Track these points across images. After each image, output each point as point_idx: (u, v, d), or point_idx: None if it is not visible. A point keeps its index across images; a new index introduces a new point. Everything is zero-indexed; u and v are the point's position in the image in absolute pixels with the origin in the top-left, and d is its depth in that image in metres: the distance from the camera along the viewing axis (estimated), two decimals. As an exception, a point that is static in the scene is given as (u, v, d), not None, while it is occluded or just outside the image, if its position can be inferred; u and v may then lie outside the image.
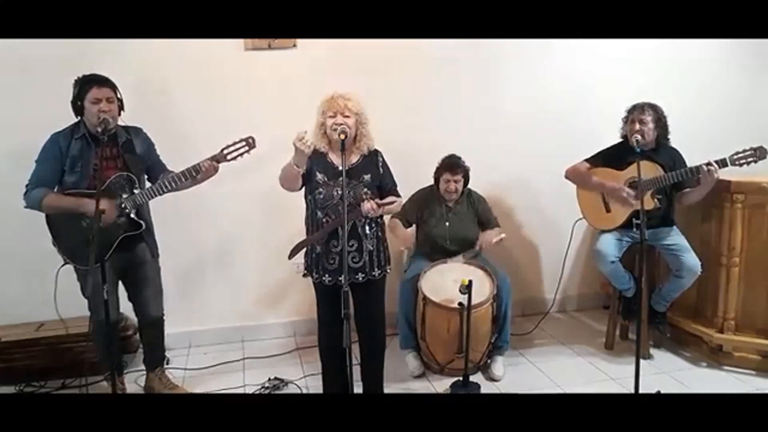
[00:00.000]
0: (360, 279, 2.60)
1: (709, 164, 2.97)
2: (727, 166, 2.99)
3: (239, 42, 3.44)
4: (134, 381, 3.22)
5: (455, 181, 3.36)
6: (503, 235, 3.32)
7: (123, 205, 2.71)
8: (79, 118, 2.74)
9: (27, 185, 2.72)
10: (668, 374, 3.18)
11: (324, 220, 2.56)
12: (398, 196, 2.72)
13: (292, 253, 2.62)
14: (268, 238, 3.63)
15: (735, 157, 2.98)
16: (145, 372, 3.15)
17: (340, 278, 2.51)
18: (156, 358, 3.12)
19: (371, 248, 2.61)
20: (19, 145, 3.21)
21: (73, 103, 2.69)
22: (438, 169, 3.43)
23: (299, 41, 3.50)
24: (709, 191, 3.09)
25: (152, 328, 3.05)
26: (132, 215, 2.75)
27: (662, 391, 2.79)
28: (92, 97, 2.63)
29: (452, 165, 3.37)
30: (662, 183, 3.10)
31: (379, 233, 2.66)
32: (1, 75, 3.22)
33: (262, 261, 3.68)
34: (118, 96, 2.74)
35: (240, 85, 3.48)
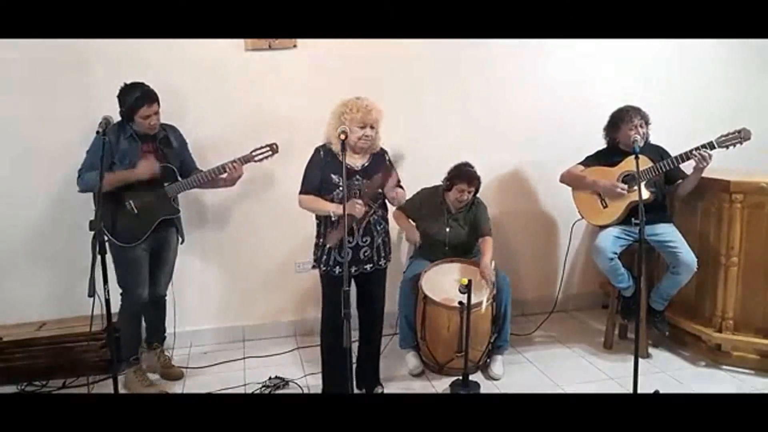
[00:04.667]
0: (368, 269, 2.80)
1: (698, 149, 3.06)
2: (714, 148, 3.06)
3: (239, 42, 3.43)
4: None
5: (469, 192, 3.29)
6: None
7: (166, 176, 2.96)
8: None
9: (79, 170, 2.89)
10: (667, 373, 3.18)
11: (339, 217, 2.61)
12: (402, 189, 2.86)
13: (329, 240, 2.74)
14: (269, 237, 3.63)
15: (721, 139, 3.06)
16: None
17: (350, 269, 2.70)
18: (157, 336, 3.30)
19: (379, 242, 2.81)
20: (20, 148, 3.23)
21: (123, 112, 2.87)
22: (453, 177, 3.29)
23: (299, 41, 3.50)
24: (700, 179, 3.15)
25: (156, 305, 3.22)
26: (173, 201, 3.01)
27: (661, 391, 2.79)
28: (143, 114, 2.85)
29: (471, 177, 3.27)
30: (656, 171, 3.16)
31: (387, 228, 2.87)
32: (7, 78, 3.21)
33: (262, 260, 3.68)
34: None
35: (240, 86, 3.48)
